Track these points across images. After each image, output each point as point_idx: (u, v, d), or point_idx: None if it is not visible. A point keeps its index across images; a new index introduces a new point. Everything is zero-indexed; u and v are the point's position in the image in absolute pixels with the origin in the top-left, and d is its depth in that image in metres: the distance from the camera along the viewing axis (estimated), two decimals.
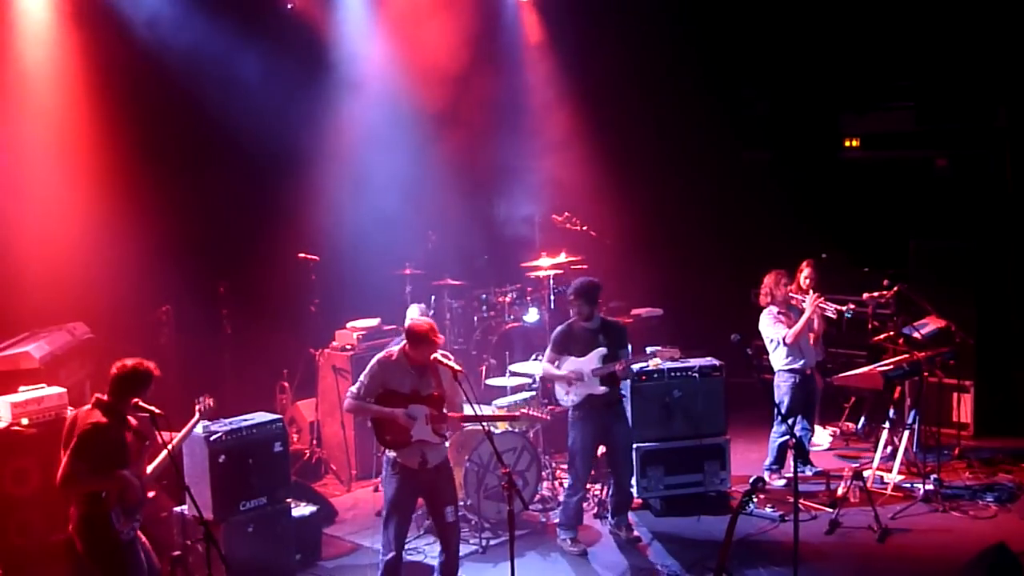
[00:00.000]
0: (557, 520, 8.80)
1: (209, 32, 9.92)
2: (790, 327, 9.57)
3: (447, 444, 7.33)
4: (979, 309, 11.13)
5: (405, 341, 7.14)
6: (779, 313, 9.70)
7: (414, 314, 9.93)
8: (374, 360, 7.18)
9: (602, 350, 8.35)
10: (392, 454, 7.09)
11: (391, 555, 7.10)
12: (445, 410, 7.12)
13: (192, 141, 9.98)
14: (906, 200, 13.00)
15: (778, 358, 9.71)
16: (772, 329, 9.67)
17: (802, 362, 9.67)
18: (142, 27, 9.59)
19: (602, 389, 8.34)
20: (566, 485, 8.76)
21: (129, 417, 6.33)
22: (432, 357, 6.99)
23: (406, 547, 7.46)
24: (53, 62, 9.18)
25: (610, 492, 8.90)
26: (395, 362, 7.13)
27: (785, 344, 9.57)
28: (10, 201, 8.86)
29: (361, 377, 7.19)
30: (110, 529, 6.13)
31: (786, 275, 9.77)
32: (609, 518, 8.86)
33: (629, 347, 8.59)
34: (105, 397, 6.23)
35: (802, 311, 9.61)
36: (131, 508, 6.21)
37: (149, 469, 6.37)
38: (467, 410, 7.30)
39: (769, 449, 9.82)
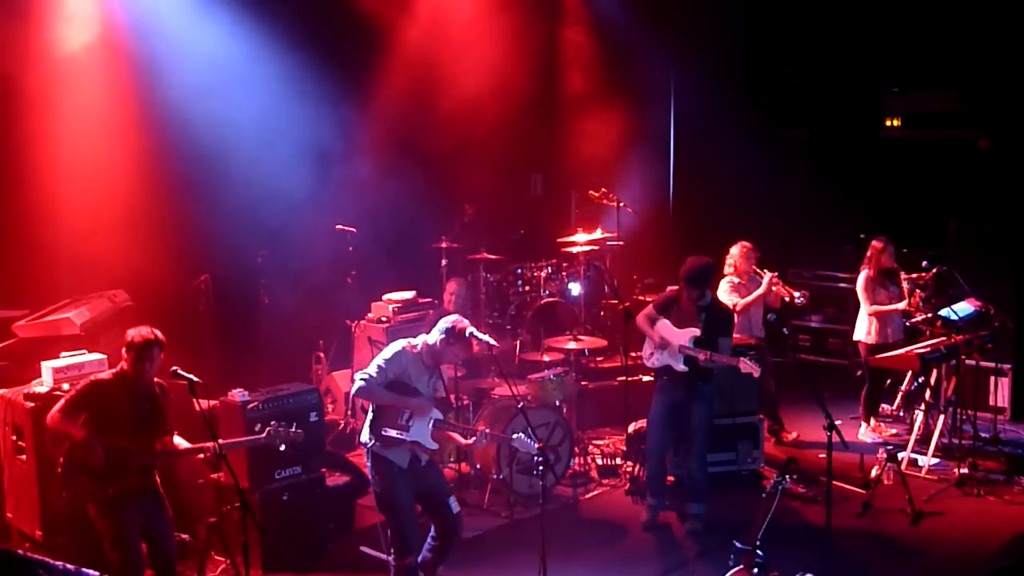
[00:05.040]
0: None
1: (253, 13, 9.97)
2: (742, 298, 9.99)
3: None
4: (1019, 291, 11.00)
5: (442, 337, 6.84)
6: (738, 284, 10.09)
7: (452, 289, 9.99)
8: (398, 348, 6.89)
9: (695, 331, 8.16)
10: (382, 451, 6.80)
11: (410, 558, 6.82)
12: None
13: (232, 114, 10.00)
14: (947, 180, 12.87)
15: None
16: (727, 296, 10.01)
17: (749, 333, 10.03)
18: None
19: (682, 368, 8.20)
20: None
21: (155, 388, 6.54)
22: (469, 333, 6.86)
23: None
24: (94, 40, 9.22)
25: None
26: (416, 356, 6.88)
27: (735, 312, 9.79)
28: (53, 168, 8.94)
29: (378, 362, 6.85)
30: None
31: (754, 249, 10.14)
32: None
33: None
34: (126, 366, 6.48)
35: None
36: (100, 475, 6.34)
37: (184, 445, 6.60)
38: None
39: None
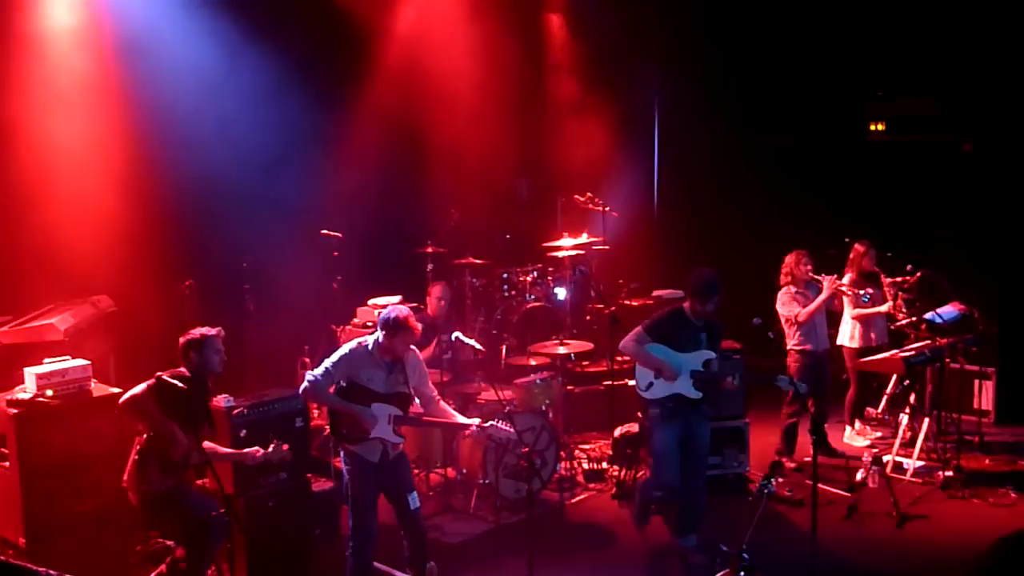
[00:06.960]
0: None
1: (238, 16, 9.96)
2: (805, 307, 9.64)
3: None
4: (1003, 295, 11.08)
5: (383, 332, 6.82)
6: (796, 293, 9.74)
7: (438, 293, 9.99)
8: (346, 348, 6.90)
9: (709, 353, 7.66)
10: (353, 447, 6.84)
11: (359, 558, 6.87)
12: (413, 409, 6.99)
13: (217, 118, 9.98)
14: (931, 185, 12.90)
15: (789, 337, 9.81)
16: (787, 307, 9.71)
17: (814, 344, 9.74)
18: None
19: (697, 395, 7.65)
20: (648, 479, 8.22)
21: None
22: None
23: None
24: (79, 43, 9.20)
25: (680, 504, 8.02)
26: (368, 354, 6.85)
27: (797, 322, 9.60)
28: (37, 174, 8.90)
29: (326, 364, 6.86)
30: (142, 481, 6.56)
31: (807, 255, 9.80)
32: (678, 538, 8.04)
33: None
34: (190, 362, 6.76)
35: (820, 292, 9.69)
36: (170, 466, 6.53)
37: (222, 450, 6.88)
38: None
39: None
